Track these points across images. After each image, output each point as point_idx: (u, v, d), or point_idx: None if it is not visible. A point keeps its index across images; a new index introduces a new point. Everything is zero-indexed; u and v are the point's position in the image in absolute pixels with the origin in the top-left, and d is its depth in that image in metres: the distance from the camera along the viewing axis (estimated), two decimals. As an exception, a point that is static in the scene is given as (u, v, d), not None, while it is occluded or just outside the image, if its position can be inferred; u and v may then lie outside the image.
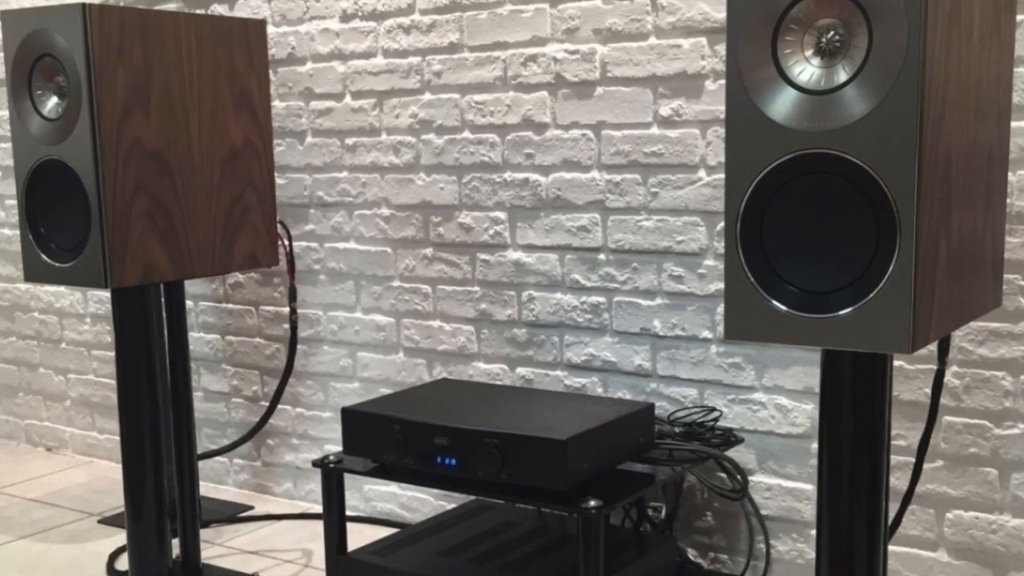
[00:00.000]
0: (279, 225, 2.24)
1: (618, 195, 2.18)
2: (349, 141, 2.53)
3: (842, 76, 1.20)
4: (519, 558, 1.96)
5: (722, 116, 2.04)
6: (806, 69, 1.22)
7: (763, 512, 2.11)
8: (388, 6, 2.42)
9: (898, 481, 1.97)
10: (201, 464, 2.83)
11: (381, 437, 1.89)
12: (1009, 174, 1.79)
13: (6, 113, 3.13)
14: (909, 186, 1.17)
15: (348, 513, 2.03)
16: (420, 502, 2.54)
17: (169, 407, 2.14)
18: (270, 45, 2.59)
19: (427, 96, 2.40)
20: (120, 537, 2.50)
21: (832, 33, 1.21)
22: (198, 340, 2.85)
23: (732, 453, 2.08)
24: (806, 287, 1.24)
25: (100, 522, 2.63)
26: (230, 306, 2.79)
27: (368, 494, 2.61)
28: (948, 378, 1.90)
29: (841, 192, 1.21)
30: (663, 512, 2.13)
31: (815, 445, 2.03)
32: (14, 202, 3.20)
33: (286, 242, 2.37)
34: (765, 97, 1.24)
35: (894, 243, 1.18)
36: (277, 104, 2.62)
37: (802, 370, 2.04)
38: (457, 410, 1.92)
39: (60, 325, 3.17)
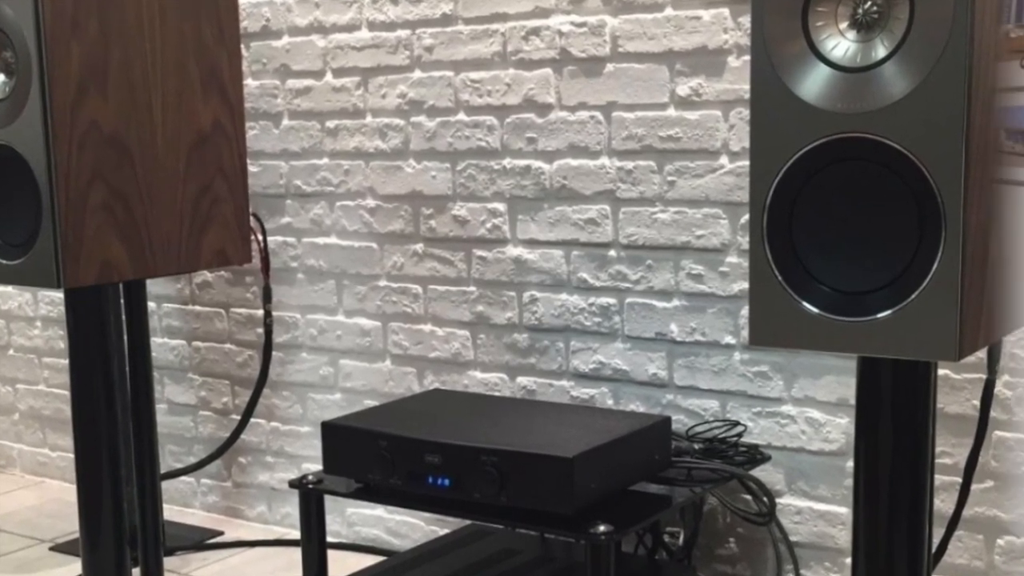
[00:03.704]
0: (252, 218, 2.24)
1: (630, 184, 2.18)
2: (330, 124, 2.53)
3: (880, 51, 1.20)
4: (520, 590, 1.96)
5: (746, 96, 2.05)
6: (840, 43, 1.22)
7: (792, 538, 2.11)
8: (374, -27, 2.43)
9: (943, 504, 1.97)
10: (165, 485, 2.82)
11: (366, 454, 1.89)
12: (1067, 161, 1.79)
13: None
14: (956, 174, 1.17)
15: (329, 539, 2.03)
16: (409, 527, 2.54)
17: (129, 421, 2.14)
18: (242, 17, 2.59)
19: (417, 74, 2.40)
20: (75, 566, 2.50)
21: (869, 3, 1.21)
22: (161, 346, 2.85)
23: (758, 472, 2.08)
24: (840, 287, 1.24)
25: (52, 549, 2.63)
26: (197, 308, 2.79)
27: (351, 518, 2.61)
28: (999, 389, 1.90)
29: (879, 181, 1.21)
30: (681, 538, 2.13)
31: (850, 463, 2.03)
32: (-44, 192, 3.20)
33: (260, 237, 2.37)
34: (795, 75, 1.24)
35: (939, 238, 1.18)
36: (250, 83, 2.62)
37: (836, 380, 2.04)
38: (451, 424, 1.93)
39: (7, 329, 3.17)
